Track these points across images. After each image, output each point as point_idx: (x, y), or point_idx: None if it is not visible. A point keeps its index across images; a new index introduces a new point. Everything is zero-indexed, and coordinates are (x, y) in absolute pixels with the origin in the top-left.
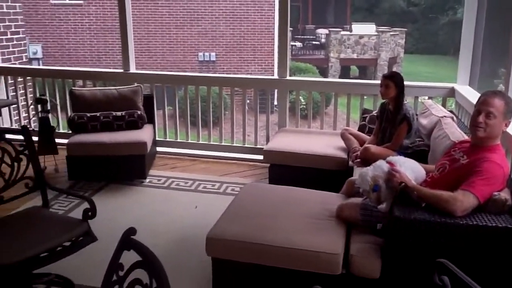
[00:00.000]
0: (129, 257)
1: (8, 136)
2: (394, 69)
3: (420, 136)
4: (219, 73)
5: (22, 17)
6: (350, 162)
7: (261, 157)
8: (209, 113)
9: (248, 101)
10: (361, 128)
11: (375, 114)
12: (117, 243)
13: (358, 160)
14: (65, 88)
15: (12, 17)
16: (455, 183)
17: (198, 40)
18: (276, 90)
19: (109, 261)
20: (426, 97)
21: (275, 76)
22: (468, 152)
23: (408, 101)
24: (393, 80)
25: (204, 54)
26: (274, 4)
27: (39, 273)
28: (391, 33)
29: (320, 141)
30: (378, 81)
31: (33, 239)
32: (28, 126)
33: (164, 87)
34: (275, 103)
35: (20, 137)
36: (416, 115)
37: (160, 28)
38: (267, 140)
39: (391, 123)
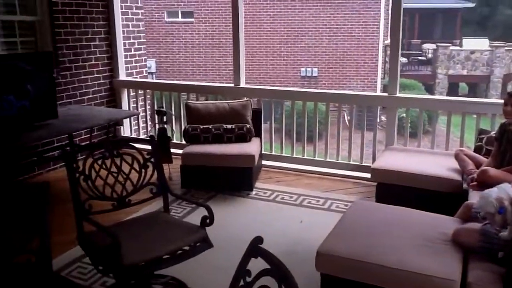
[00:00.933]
0: (253, 265)
1: (135, 144)
2: (510, 86)
3: None
4: (320, 89)
5: (144, 34)
6: (465, 185)
7: (366, 174)
8: (314, 128)
9: (348, 117)
10: (477, 150)
11: (494, 135)
12: (245, 250)
13: (475, 183)
14: (180, 101)
15: (136, 34)
16: None
17: (300, 55)
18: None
19: (224, 267)
20: None
21: (380, 93)
22: None
23: None
24: None
25: (306, 70)
26: (380, 19)
27: (158, 274)
28: (506, 48)
29: (431, 161)
30: (495, 100)
31: (157, 241)
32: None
33: (272, 102)
34: (378, 120)
35: (145, 146)
36: None
37: (265, 43)
38: (374, 158)
39: None
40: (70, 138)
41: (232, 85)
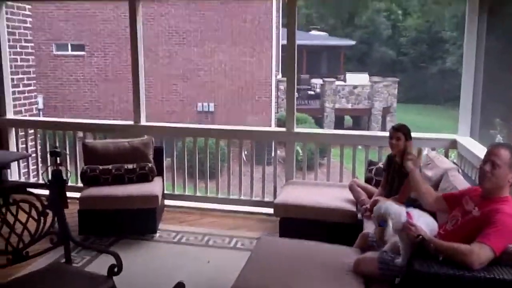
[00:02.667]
0: None
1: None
2: (388, 118)
3: None
4: (218, 124)
5: (34, 69)
6: (359, 215)
7: (268, 210)
8: (216, 164)
9: (245, 152)
10: (368, 180)
11: (382, 166)
12: None
13: (368, 213)
14: (75, 140)
15: (25, 69)
16: (469, 236)
17: (197, 90)
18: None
19: None
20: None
21: (278, 128)
22: (479, 203)
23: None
24: (404, 132)
25: (203, 105)
26: (272, 55)
27: None
28: (384, 83)
29: (328, 193)
30: (381, 133)
31: None
32: (39, 180)
33: (174, 140)
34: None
35: (40, 191)
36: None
37: (161, 78)
38: (275, 193)
39: (399, 175)
40: None
41: (132, 122)
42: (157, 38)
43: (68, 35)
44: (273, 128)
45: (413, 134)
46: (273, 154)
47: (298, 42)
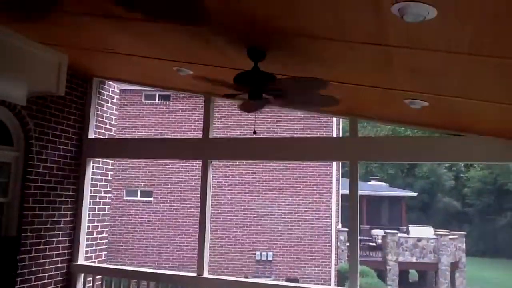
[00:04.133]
0: None
1: None
2: (457, 274)
3: None
4: (275, 274)
5: (108, 218)
6: None
7: None
8: None
9: None
10: None
11: None
12: None
13: None
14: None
15: (100, 217)
16: None
17: (256, 238)
18: None
19: None
20: None
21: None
22: None
23: None
24: None
25: (261, 253)
26: (331, 205)
27: None
28: (450, 236)
29: None
30: None
31: None
32: None
33: None
34: None
35: None
36: None
37: (221, 226)
38: None
39: None
40: None
41: (195, 274)
42: (220, 186)
43: (139, 181)
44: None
45: None
46: None
47: (359, 192)
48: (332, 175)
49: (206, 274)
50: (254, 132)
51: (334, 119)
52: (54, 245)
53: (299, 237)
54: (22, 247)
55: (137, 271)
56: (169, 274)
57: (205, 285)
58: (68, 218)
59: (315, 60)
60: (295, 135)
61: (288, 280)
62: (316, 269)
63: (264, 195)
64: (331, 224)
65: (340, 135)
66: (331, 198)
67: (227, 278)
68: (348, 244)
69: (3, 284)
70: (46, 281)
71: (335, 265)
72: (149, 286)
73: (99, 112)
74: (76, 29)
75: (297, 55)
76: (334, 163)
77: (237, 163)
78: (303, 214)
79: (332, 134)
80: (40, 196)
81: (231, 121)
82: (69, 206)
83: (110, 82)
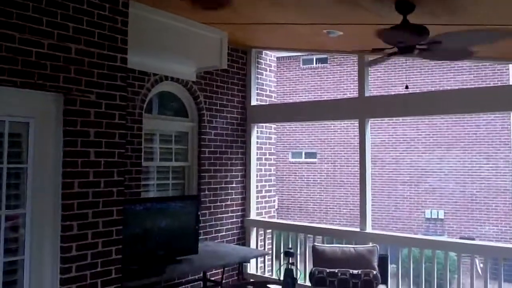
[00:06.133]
0: None
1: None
2: None
3: None
4: (447, 232)
5: (274, 177)
6: None
7: None
8: (444, 276)
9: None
10: None
11: None
12: None
13: None
14: (306, 242)
15: (267, 177)
16: None
17: (425, 197)
18: None
19: None
20: None
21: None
22: None
23: None
24: None
25: (431, 212)
26: (511, 161)
27: None
28: None
29: None
30: None
31: None
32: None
33: (399, 250)
34: None
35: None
36: None
37: (387, 184)
38: None
39: None
40: (203, 273)
41: (358, 229)
42: (384, 145)
43: (303, 144)
44: (508, 244)
45: None
46: None
47: None
48: (510, 127)
49: (369, 230)
50: (406, 87)
51: (510, 66)
52: (229, 202)
53: (473, 195)
54: (202, 204)
55: (302, 225)
56: (333, 229)
57: (368, 239)
58: (239, 179)
59: (462, 7)
60: (464, 87)
61: (462, 238)
62: (495, 228)
63: (432, 152)
64: (511, 181)
65: None
66: (510, 153)
67: (389, 233)
68: None
69: (189, 235)
70: (224, 233)
71: None
72: (315, 240)
73: (259, 81)
74: (235, 9)
75: (446, 3)
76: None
77: (401, 121)
78: (477, 171)
79: (509, 82)
80: (214, 159)
81: (392, 78)
82: (239, 168)
83: (267, 52)
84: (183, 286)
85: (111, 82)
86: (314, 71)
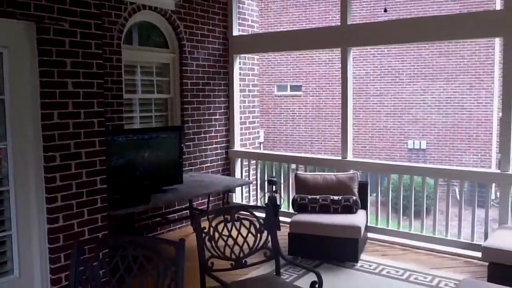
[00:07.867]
0: None
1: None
2: None
3: None
4: (429, 162)
5: (258, 109)
6: None
7: (476, 253)
8: (422, 202)
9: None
10: None
11: None
12: None
13: None
14: (289, 171)
15: (251, 109)
16: None
17: (408, 128)
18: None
19: None
20: None
21: (493, 169)
22: None
23: None
24: None
25: (414, 142)
26: (493, 92)
27: None
28: None
29: None
30: None
31: None
32: (257, 203)
33: (379, 176)
34: (492, 197)
35: (258, 213)
36: None
37: (371, 116)
38: (485, 236)
39: None
40: (189, 202)
41: (340, 158)
42: (369, 76)
43: (288, 77)
44: (487, 169)
45: None
46: (493, 197)
47: None
48: (494, 58)
49: (350, 158)
50: (385, 10)
51: None
52: (213, 134)
53: (455, 125)
54: (186, 136)
55: (285, 155)
56: (315, 158)
57: (349, 167)
58: (222, 110)
59: None
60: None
61: None
62: (475, 157)
63: (416, 83)
64: (492, 112)
65: None
66: (492, 84)
67: (370, 160)
68: None
69: (174, 165)
70: (209, 164)
71: (496, 153)
72: (297, 168)
73: (241, 10)
74: None
75: None
76: (496, 44)
77: (386, 52)
78: (460, 101)
79: (495, 7)
80: (196, 91)
81: (378, 8)
82: (222, 99)
83: None
84: (171, 215)
85: (85, 10)
86: (299, 1)
